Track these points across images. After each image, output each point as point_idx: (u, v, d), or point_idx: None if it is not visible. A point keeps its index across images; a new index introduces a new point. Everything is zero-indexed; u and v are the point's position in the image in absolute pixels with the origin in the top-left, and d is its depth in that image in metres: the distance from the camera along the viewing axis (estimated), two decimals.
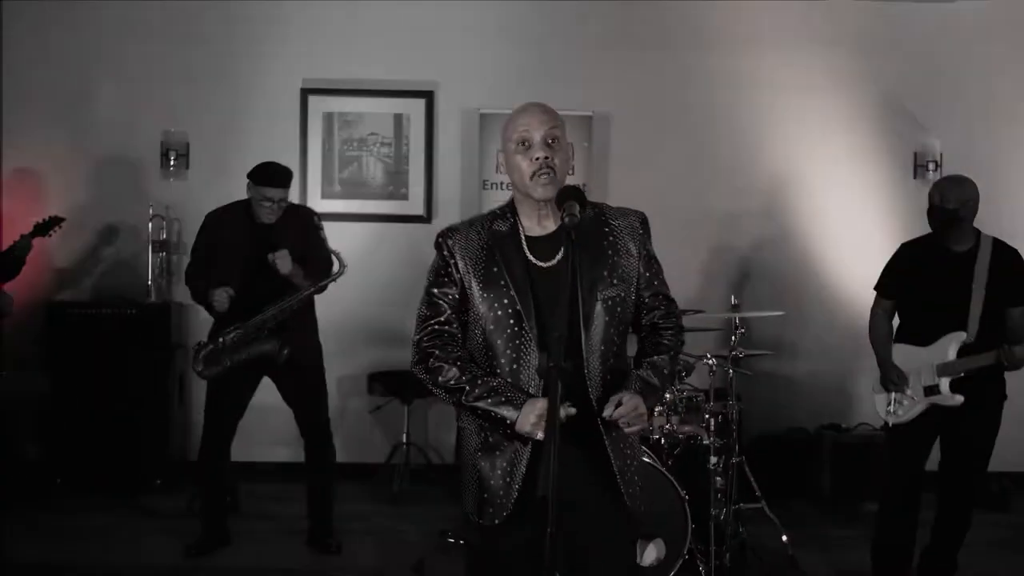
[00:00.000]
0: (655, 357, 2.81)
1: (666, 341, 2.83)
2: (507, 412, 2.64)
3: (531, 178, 2.69)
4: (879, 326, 4.64)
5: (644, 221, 2.83)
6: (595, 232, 2.75)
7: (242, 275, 4.97)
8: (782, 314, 5.49)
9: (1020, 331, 4.37)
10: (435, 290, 2.77)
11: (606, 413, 2.62)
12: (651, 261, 2.82)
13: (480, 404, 2.67)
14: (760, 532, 5.25)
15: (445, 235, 2.79)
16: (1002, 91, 6.71)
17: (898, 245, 4.69)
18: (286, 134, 6.68)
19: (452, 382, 2.71)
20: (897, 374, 4.50)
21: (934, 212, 4.43)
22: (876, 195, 6.70)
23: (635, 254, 2.77)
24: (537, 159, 2.68)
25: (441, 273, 2.77)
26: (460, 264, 2.74)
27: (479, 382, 2.69)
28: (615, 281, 2.72)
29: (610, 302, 2.70)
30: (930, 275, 4.46)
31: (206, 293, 4.99)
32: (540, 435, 2.57)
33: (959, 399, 4.38)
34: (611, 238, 2.76)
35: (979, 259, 4.41)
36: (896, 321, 4.67)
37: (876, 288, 4.70)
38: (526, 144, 2.71)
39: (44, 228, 5.73)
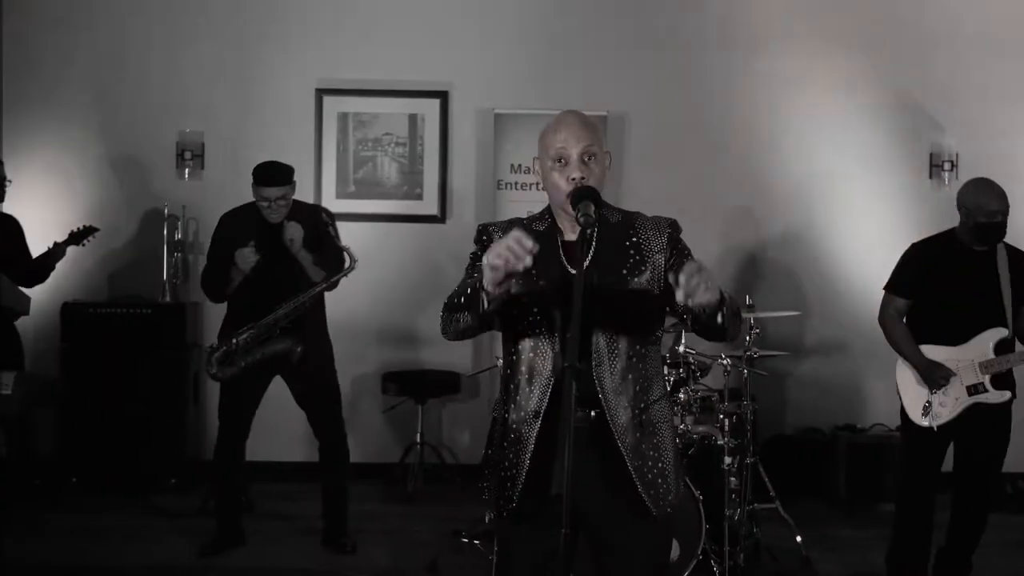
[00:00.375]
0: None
1: None
2: (473, 280, 2.58)
3: (567, 196, 2.67)
4: (897, 326, 4.57)
5: (674, 224, 2.80)
6: (620, 236, 2.74)
7: (254, 275, 4.97)
8: (797, 314, 5.48)
9: None
10: (475, 263, 2.79)
11: (678, 297, 2.39)
12: (683, 258, 2.72)
13: (460, 288, 2.64)
14: (774, 533, 5.24)
15: (485, 225, 2.87)
16: (1019, 89, 6.67)
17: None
18: (301, 134, 6.69)
19: (455, 298, 2.66)
20: (944, 371, 4.38)
21: (994, 227, 4.33)
22: (892, 195, 6.66)
23: (662, 256, 2.73)
24: (573, 179, 2.67)
25: (478, 257, 2.78)
26: None
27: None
28: (635, 281, 2.69)
29: (629, 302, 2.68)
30: (954, 274, 4.42)
31: (224, 284, 5.01)
32: (498, 261, 2.42)
33: (1007, 395, 4.36)
34: (635, 239, 2.74)
35: (999, 257, 4.39)
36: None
37: (888, 288, 4.62)
38: (563, 161, 2.70)
39: (79, 237, 5.78)
